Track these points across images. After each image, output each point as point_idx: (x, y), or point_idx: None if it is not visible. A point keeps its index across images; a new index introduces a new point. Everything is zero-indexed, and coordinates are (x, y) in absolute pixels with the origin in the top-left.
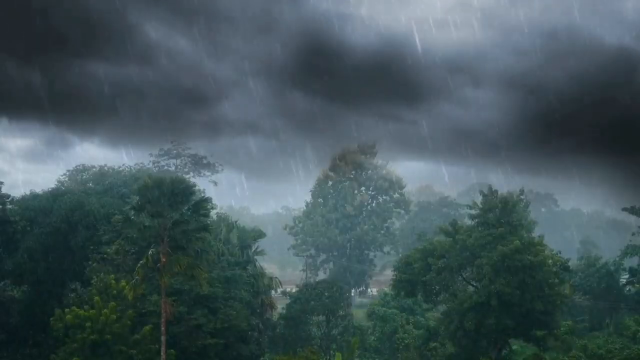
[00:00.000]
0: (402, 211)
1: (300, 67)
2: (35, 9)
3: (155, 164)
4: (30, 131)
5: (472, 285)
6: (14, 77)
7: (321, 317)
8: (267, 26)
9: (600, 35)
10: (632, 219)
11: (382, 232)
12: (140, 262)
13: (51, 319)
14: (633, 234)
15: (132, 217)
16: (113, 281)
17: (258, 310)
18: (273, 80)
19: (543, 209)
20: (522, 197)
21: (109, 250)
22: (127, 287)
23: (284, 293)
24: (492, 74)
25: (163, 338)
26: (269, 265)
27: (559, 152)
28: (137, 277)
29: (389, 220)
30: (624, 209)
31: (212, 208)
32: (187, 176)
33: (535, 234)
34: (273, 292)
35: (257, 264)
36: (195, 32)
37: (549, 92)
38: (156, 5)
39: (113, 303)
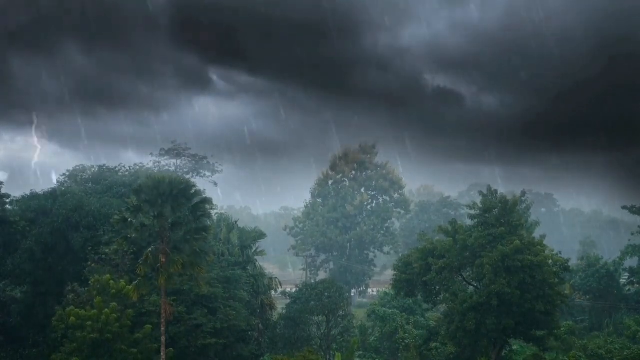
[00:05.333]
0: (402, 211)
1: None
2: None
3: (156, 164)
4: None
5: (472, 285)
6: None
7: (321, 317)
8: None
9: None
10: (632, 218)
11: (382, 232)
12: (140, 260)
13: (53, 319)
14: (632, 234)
15: (129, 219)
16: (112, 281)
17: (258, 310)
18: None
19: (543, 209)
20: (523, 198)
21: (108, 250)
22: (126, 287)
23: (283, 293)
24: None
25: (163, 338)
26: (269, 266)
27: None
28: (140, 278)
29: (389, 221)
30: (624, 207)
31: (212, 209)
32: (188, 176)
33: (537, 234)
34: (273, 292)
35: (257, 264)
36: None
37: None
38: None
39: (114, 303)
